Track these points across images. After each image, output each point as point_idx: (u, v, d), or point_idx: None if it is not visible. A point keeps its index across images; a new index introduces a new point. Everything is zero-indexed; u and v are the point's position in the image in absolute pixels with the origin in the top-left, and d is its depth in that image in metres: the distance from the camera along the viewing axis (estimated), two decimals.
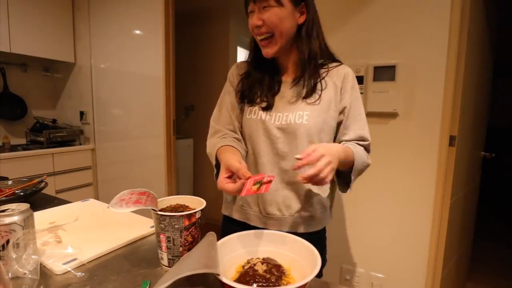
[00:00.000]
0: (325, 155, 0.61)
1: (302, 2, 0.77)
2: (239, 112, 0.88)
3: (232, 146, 0.79)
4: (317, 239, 0.87)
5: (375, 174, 1.48)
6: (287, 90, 0.82)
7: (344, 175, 0.79)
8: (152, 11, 2.07)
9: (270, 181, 0.62)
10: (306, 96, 0.79)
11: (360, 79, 1.43)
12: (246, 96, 0.85)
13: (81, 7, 2.47)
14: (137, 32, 2.19)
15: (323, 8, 1.57)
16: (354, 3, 1.45)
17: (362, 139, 0.82)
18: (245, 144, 0.87)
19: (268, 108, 0.81)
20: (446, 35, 1.27)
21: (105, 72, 2.40)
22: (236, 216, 0.88)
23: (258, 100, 0.83)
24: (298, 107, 0.79)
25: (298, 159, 0.61)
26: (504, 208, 3.75)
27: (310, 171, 0.59)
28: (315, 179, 0.60)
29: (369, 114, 1.46)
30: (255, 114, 0.83)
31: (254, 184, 0.58)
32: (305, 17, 0.78)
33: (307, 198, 0.82)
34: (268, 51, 0.78)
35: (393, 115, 1.41)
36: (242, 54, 3.26)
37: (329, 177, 0.61)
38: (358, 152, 0.77)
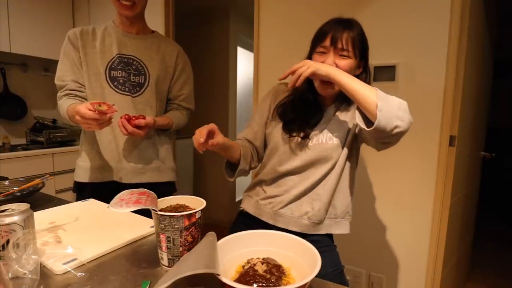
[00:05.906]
0: (307, 62, 0.75)
1: (363, 60, 0.87)
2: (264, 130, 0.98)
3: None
4: (322, 242, 0.90)
5: (375, 174, 1.48)
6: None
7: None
8: (152, 11, 2.06)
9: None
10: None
11: None
12: (287, 126, 0.91)
13: (81, 7, 2.47)
14: None
15: (322, 8, 1.57)
16: (354, 3, 1.45)
17: None
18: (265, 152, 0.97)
19: (305, 137, 0.88)
20: (446, 35, 1.27)
21: None
22: (251, 210, 0.95)
23: (298, 131, 0.89)
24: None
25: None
26: (504, 208, 3.75)
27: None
28: (294, 77, 0.75)
29: None
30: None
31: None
32: (360, 71, 0.88)
33: (320, 205, 0.86)
34: (328, 92, 0.84)
35: None
36: (242, 54, 3.25)
37: (305, 72, 0.74)
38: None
